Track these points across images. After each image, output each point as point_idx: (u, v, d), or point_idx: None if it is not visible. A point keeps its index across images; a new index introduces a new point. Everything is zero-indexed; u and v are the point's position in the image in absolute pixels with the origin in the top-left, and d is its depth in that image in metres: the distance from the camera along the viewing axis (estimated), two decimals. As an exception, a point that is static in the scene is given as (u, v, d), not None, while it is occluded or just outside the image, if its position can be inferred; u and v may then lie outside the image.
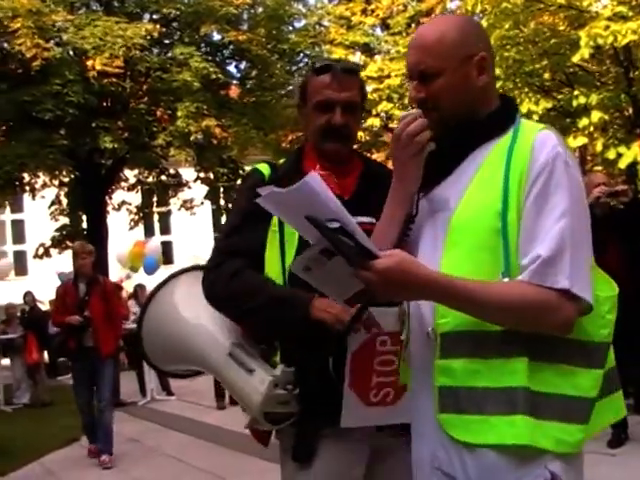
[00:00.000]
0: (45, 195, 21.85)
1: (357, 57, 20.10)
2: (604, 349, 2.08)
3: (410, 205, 2.25)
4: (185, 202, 22.77)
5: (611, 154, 12.55)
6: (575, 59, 12.12)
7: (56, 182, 21.65)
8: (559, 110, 14.53)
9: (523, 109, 12.86)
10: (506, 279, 2.02)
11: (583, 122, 12.36)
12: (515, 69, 13.78)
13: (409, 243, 2.26)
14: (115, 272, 19.18)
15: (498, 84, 13.29)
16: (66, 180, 21.61)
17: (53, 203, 22.29)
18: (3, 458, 8.80)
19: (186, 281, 3.18)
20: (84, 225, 21.30)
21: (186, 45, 19.04)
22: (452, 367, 2.07)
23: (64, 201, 22.22)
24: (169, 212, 26.42)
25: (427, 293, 2.02)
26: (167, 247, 27.86)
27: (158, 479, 8.15)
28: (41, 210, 22.90)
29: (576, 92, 12.92)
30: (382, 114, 18.43)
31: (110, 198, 21.94)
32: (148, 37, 18.17)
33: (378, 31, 23.45)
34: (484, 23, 13.58)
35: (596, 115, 12.14)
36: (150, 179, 22.32)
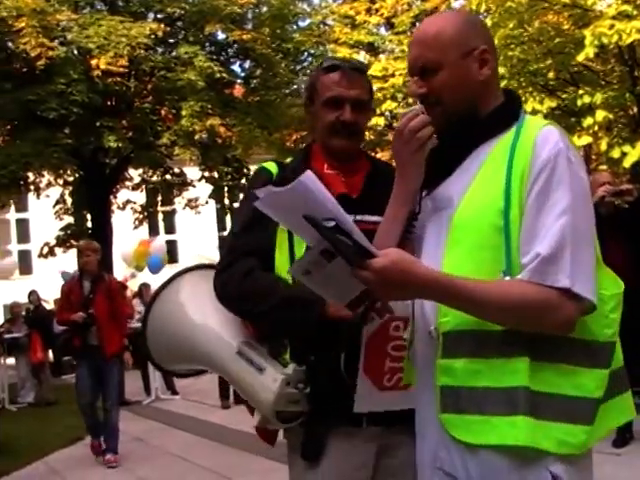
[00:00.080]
0: (50, 194, 21.89)
1: (361, 56, 20.05)
2: (609, 349, 2.05)
3: (413, 203, 2.25)
4: (190, 201, 22.80)
5: (616, 153, 12.52)
6: (580, 58, 12.09)
7: (61, 181, 21.69)
8: (564, 109, 14.51)
9: (528, 108, 12.83)
10: (507, 278, 2.00)
11: (588, 121, 12.34)
12: (519, 68, 13.76)
13: (412, 241, 2.25)
14: (120, 271, 19.21)
15: (502, 83, 13.19)
16: (71, 179, 21.66)
17: (58, 202, 22.33)
18: (7, 457, 8.80)
19: (191, 280, 3.17)
20: (89, 224, 21.33)
21: (190, 44, 19.06)
22: (453, 367, 2.06)
23: (69, 200, 22.25)
24: (174, 211, 26.46)
25: (426, 292, 2.01)
26: (172, 246, 27.88)
27: (163, 478, 8.15)
28: (46, 209, 22.95)
29: (581, 91, 12.89)
30: (386, 113, 18.39)
31: (115, 197, 21.98)
32: (152, 36, 18.20)
33: (382, 30, 23.44)
34: (488, 22, 13.58)
35: (601, 114, 12.12)
36: (154, 178, 22.36)
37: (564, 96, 14.45)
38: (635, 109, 13.75)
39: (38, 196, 21.50)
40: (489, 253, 2.03)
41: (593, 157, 17.62)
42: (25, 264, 28.64)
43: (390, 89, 17.41)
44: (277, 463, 6.89)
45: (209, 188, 22.44)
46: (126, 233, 21.43)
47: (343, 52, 19.13)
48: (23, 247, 30.19)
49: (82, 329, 8.61)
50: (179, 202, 23.29)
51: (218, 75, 18.49)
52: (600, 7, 12.57)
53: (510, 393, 1.98)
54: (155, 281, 13.13)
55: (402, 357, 2.54)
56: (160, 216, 28.00)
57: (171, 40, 20.12)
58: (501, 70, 13.31)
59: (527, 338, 1.99)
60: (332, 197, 1.96)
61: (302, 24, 21.92)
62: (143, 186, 22.75)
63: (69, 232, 21.39)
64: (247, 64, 21.48)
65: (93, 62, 17.69)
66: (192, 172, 22.08)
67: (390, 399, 2.64)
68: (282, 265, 2.72)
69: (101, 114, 18.42)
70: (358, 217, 2.60)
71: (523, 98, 13.15)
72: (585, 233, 2.01)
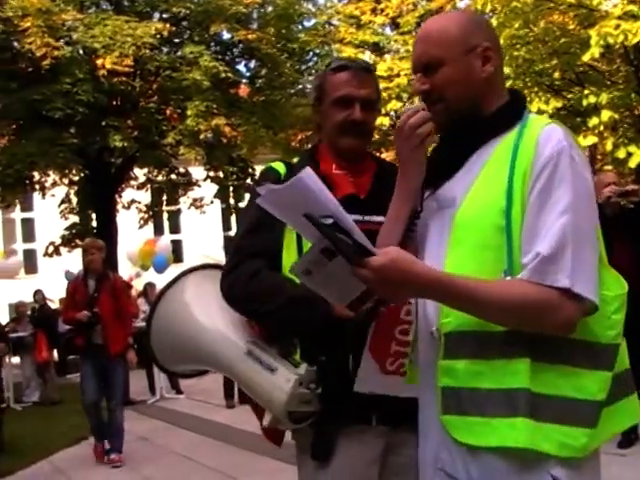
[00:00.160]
0: (55, 194, 21.90)
1: (367, 56, 20.03)
2: (612, 350, 2.03)
3: (415, 201, 2.25)
4: (195, 201, 22.80)
5: (621, 153, 12.51)
6: (585, 58, 12.08)
7: (66, 181, 21.70)
8: (569, 109, 14.49)
9: (533, 108, 12.82)
10: (508, 277, 1.99)
11: (593, 121, 12.32)
12: (525, 68, 13.74)
13: (414, 240, 2.25)
14: (125, 270, 19.22)
15: (508, 83, 13.25)
16: (76, 179, 21.67)
17: (63, 202, 22.34)
18: (12, 456, 8.82)
19: (195, 280, 3.16)
20: (94, 224, 21.33)
21: (196, 44, 19.06)
22: (455, 368, 2.05)
23: (74, 200, 22.26)
24: (179, 211, 26.48)
25: (426, 291, 2.00)
26: (177, 246, 27.89)
27: (167, 478, 8.16)
28: (51, 209, 22.96)
29: (586, 91, 12.88)
30: (392, 113, 18.39)
31: (120, 197, 21.99)
32: (158, 36, 18.20)
33: (388, 30, 23.44)
34: (494, 22, 13.56)
35: (606, 114, 12.10)
36: (160, 178, 22.36)
37: (569, 96, 14.43)
38: (641, 109, 13.74)
39: (43, 195, 21.52)
40: (491, 253, 2.02)
41: (598, 157, 17.60)
42: (30, 263, 28.65)
43: (395, 89, 17.41)
44: (283, 463, 6.90)
45: (214, 188, 22.44)
46: (131, 233, 21.45)
47: (348, 52, 19.13)
48: (28, 246, 30.21)
49: (87, 328, 8.59)
50: (184, 202, 23.30)
51: (223, 75, 18.48)
52: (606, 7, 12.54)
53: (510, 395, 1.96)
54: (160, 280, 13.14)
55: (408, 342, 2.54)
56: (165, 216, 28.01)
57: (176, 40, 20.11)
58: (506, 70, 13.30)
59: (528, 339, 1.97)
60: (331, 195, 1.96)
61: (307, 24, 21.93)
62: (148, 186, 22.75)
63: (74, 231, 21.40)
64: (252, 64, 21.48)
65: (98, 62, 17.70)
66: (197, 172, 22.09)
67: (391, 383, 2.63)
68: (290, 265, 2.72)
69: (106, 114, 18.43)
70: (366, 217, 2.61)
71: (529, 98, 13.13)
72: (587, 232, 1.99)
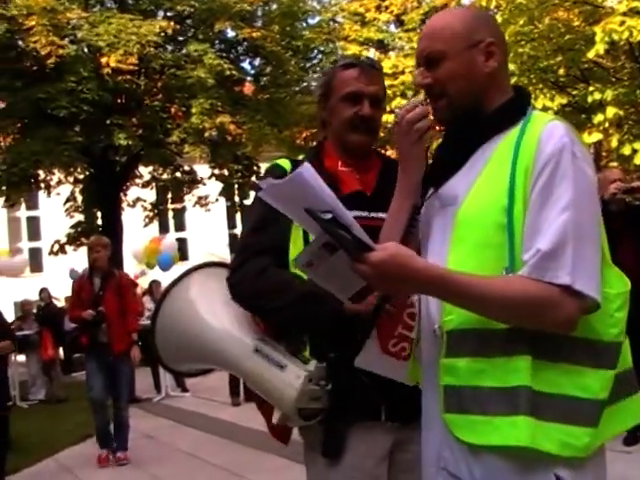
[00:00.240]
0: (60, 192, 21.93)
1: (371, 53, 20.04)
2: (615, 349, 2.01)
3: (416, 197, 2.25)
4: (200, 199, 22.82)
5: (626, 150, 12.51)
6: (590, 55, 12.07)
7: (71, 179, 21.74)
8: (574, 106, 14.48)
9: (538, 105, 12.81)
10: (510, 275, 1.98)
11: (598, 118, 12.31)
12: (530, 65, 13.73)
13: (415, 237, 2.25)
14: (130, 268, 19.24)
15: (513, 80, 13.21)
16: (81, 177, 21.70)
17: (68, 200, 22.37)
18: (18, 454, 8.82)
19: (200, 278, 3.16)
20: (99, 222, 21.37)
21: (200, 42, 19.07)
22: (457, 366, 2.04)
23: (79, 198, 22.29)
24: (184, 209, 26.49)
25: (425, 287, 1.99)
26: (182, 244, 27.89)
27: (173, 475, 8.16)
28: (56, 207, 23.00)
29: (591, 88, 12.86)
30: (396, 110, 18.40)
31: (125, 195, 22.01)
32: (162, 34, 18.22)
33: (392, 27, 23.43)
34: (498, 19, 13.53)
35: (611, 111, 12.09)
36: (165, 176, 22.38)
37: (574, 93, 14.42)
38: (646, 106, 13.71)
39: (49, 194, 21.55)
40: (493, 251, 2.00)
41: (603, 154, 17.57)
42: (36, 262, 28.70)
43: (400, 86, 17.41)
44: (288, 461, 6.90)
45: (219, 186, 22.45)
46: (136, 231, 21.48)
47: (353, 49, 19.15)
48: (34, 245, 30.27)
49: (92, 327, 8.57)
50: (189, 200, 23.31)
51: (228, 73, 18.49)
52: (611, 3, 12.54)
53: (511, 392, 1.95)
54: (166, 278, 13.15)
55: (412, 327, 2.53)
56: (170, 214, 28.04)
57: (181, 38, 20.14)
58: (511, 67, 13.28)
59: (530, 337, 1.95)
60: (330, 190, 1.95)
61: (312, 21, 21.94)
62: (153, 184, 22.78)
63: (79, 230, 21.43)
64: (257, 62, 21.50)
65: (103, 60, 17.72)
66: (202, 170, 22.10)
67: (389, 366, 2.60)
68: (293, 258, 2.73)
69: (111, 112, 18.46)
70: (372, 214, 2.61)
71: (533, 95, 13.11)
72: (589, 229, 1.97)
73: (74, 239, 21.34)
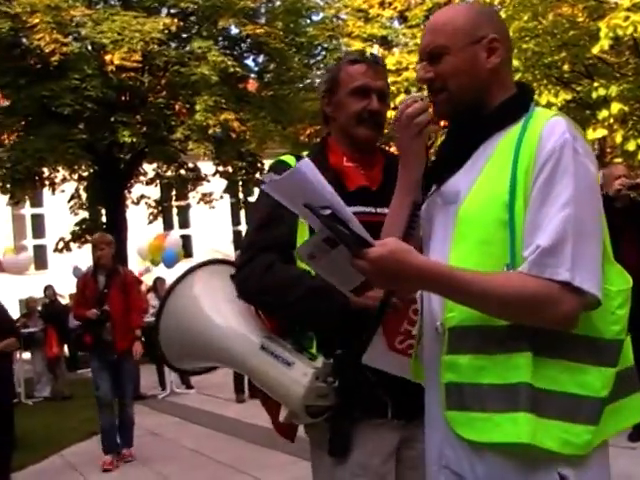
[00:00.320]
0: (65, 189, 21.92)
1: (375, 50, 20.02)
2: (616, 346, 2.01)
3: (417, 193, 2.25)
4: (204, 196, 22.79)
5: (631, 146, 12.48)
6: (595, 50, 12.05)
7: (75, 176, 21.72)
8: (578, 102, 14.45)
9: (542, 101, 12.81)
10: (509, 271, 1.97)
11: (603, 114, 12.29)
12: (534, 61, 13.71)
13: (417, 237, 2.24)
14: (135, 266, 19.25)
15: (517, 76, 13.23)
16: (85, 174, 21.68)
17: (72, 197, 22.35)
18: (24, 451, 8.84)
19: (204, 275, 3.15)
20: (103, 219, 21.37)
21: (204, 39, 19.04)
22: (458, 363, 2.03)
23: (83, 195, 22.27)
24: (188, 206, 26.48)
25: (423, 283, 1.99)
26: (186, 241, 27.88)
27: (178, 472, 8.17)
28: (61, 204, 22.98)
29: (595, 84, 12.84)
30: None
31: (129, 192, 22.01)
32: (166, 31, 18.19)
33: (396, 24, 23.40)
34: (503, 15, 13.52)
35: (616, 107, 12.07)
36: (169, 173, 22.35)
37: (579, 89, 14.40)
38: (651, 101, 13.67)
39: (53, 191, 21.54)
40: (495, 248, 2.00)
41: (608, 150, 17.55)
42: (40, 259, 28.71)
43: (404, 83, 17.39)
44: (293, 457, 6.91)
45: (223, 183, 22.43)
46: (141, 228, 21.48)
47: (357, 46, 19.13)
48: (38, 242, 30.24)
49: (96, 325, 8.53)
50: (193, 197, 23.28)
51: (232, 70, 18.45)
52: (615, -1, 12.52)
53: (512, 389, 1.94)
54: (170, 275, 13.16)
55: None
56: (174, 211, 28.02)
57: (184, 35, 20.10)
58: (515, 63, 13.27)
59: (531, 333, 1.95)
60: (329, 186, 1.96)
61: (315, 18, 21.87)
62: (157, 181, 22.75)
63: (84, 227, 21.42)
64: (261, 58, 21.44)
65: (107, 57, 17.70)
66: (206, 167, 22.08)
67: (396, 363, 2.62)
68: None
69: (115, 109, 18.45)
70: (379, 210, 2.61)
71: (538, 91, 13.11)
72: (590, 226, 1.96)
73: (79, 236, 21.33)
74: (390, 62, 16.94)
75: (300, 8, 20.40)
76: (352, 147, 2.90)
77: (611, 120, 12.40)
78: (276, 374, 2.72)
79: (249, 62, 21.69)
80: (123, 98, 19.44)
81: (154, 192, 23.35)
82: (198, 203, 23.31)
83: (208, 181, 22.41)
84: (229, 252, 23.35)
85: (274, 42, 19.46)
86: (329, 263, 2.02)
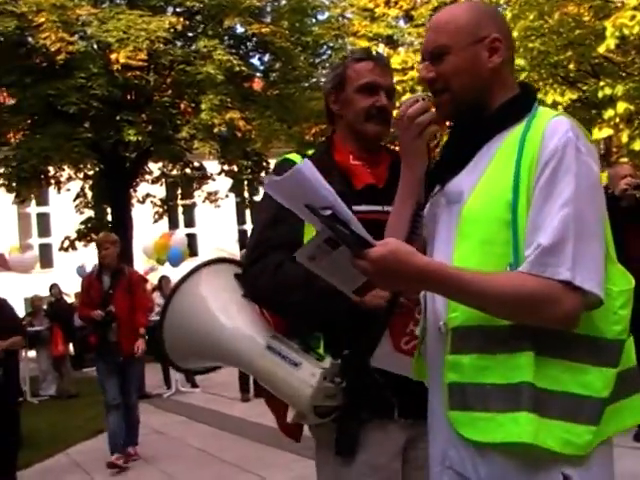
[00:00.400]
0: (70, 188, 21.95)
1: (380, 49, 20.02)
2: (618, 347, 2.00)
3: (419, 194, 2.25)
4: (209, 195, 22.80)
5: (637, 145, 12.48)
6: (600, 50, 12.04)
7: (81, 175, 21.74)
8: (584, 101, 14.45)
9: (548, 100, 12.81)
10: (510, 271, 1.97)
11: (609, 113, 12.28)
12: (540, 60, 13.70)
13: (420, 238, 2.24)
14: (140, 264, 19.27)
15: (523, 75, 13.23)
16: (91, 173, 21.70)
17: (78, 196, 22.38)
18: (29, 449, 8.86)
19: (209, 274, 3.13)
20: (109, 218, 21.40)
21: (210, 38, 19.04)
22: (461, 363, 2.03)
23: (89, 194, 22.31)
24: (193, 205, 26.49)
25: (424, 283, 1.99)
26: (191, 240, 27.90)
27: (183, 471, 8.18)
28: (66, 203, 23.01)
29: (601, 83, 12.83)
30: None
31: (134, 191, 22.02)
32: (172, 30, 18.19)
33: (401, 23, 23.40)
34: (508, 14, 13.54)
35: (622, 106, 12.06)
36: (174, 172, 22.37)
37: (585, 88, 14.39)
38: (656, 101, 13.65)
39: (59, 190, 21.57)
40: (498, 247, 1.99)
41: (614, 149, 17.52)
42: (46, 258, 28.75)
43: (409, 82, 17.42)
44: (298, 456, 6.91)
45: (229, 182, 22.44)
46: (146, 227, 21.51)
47: (362, 45, 19.12)
48: (44, 241, 30.30)
49: (101, 326, 8.43)
50: (199, 196, 23.30)
51: (237, 69, 18.46)
52: (621, -2, 12.50)
53: (514, 389, 1.94)
54: (175, 274, 13.18)
55: None
56: (180, 210, 28.04)
57: (190, 34, 20.10)
58: (521, 62, 13.27)
59: (533, 333, 1.94)
60: (329, 186, 1.95)
61: (321, 17, 21.88)
62: (163, 180, 22.78)
63: (89, 226, 21.44)
64: (266, 57, 21.44)
65: (113, 56, 17.71)
66: (212, 166, 22.09)
67: (403, 363, 2.61)
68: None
69: (121, 108, 18.46)
70: (386, 208, 2.61)
71: (544, 90, 13.11)
72: (591, 225, 1.95)
73: (84, 235, 21.35)
74: (396, 61, 16.97)
75: (306, 7, 20.40)
76: (359, 145, 2.90)
77: (617, 119, 12.39)
78: (283, 374, 2.71)
79: (255, 61, 21.74)
80: (129, 97, 19.46)
81: (159, 191, 23.38)
82: (203, 202, 23.32)
83: (213, 180, 22.43)
84: (234, 251, 23.39)
85: (280, 41, 19.46)
86: (330, 264, 2.01)
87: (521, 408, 1.92)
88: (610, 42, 11.50)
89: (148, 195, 22.47)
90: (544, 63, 13.75)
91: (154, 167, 22.32)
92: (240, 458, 8.20)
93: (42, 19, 16.88)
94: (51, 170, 20.50)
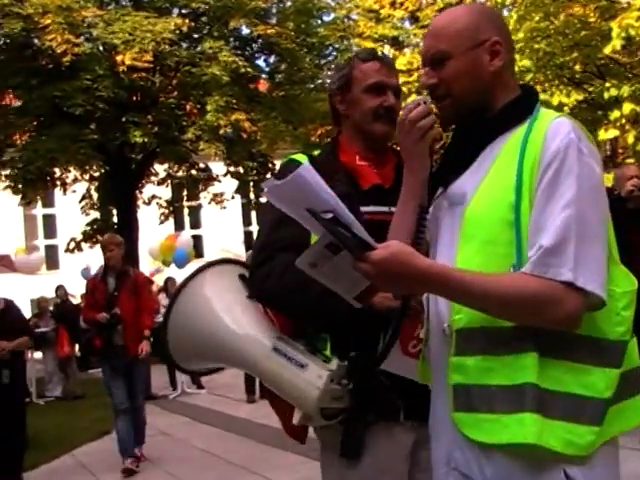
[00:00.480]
0: (76, 189, 21.99)
1: (386, 50, 20.02)
2: (621, 347, 2.00)
3: (422, 196, 2.24)
4: (215, 196, 22.83)
5: (643, 146, 12.45)
6: (606, 51, 12.02)
7: (87, 176, 21.80)
8: (590, 102, 14.42)
9: (554, 101, 12.79)
10: (512, 272, 1.97)
11: (614, 114, 12.26)
12: (545, 61, 13.68)
13: (425, 243, 2.23)
14: (146, 266, 19.29)
15: (529, 76, 13.22)
16: (97, 174, 21.77)
17: (84, 197, 22.44)
18: (35, 450, 8.86)
19: (214, 274, 3.12)
20: (115, 219, 21.44)
21: (215, 39, 19.08)
22: (466, 364, 2.03)
23: (95, 195, 22.36)
24: (199, 206, 26.53)
25: (426, 285, 1.98)
26: (197, 241, 27.94)
27: (188, 472, 8.18)
28: (72, 204, 23.06)
29: (607, 84, 12.81)
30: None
31: (140, 192, 22.06)
32: (177, 31, 18.24)
33: (407, 24, 23.40)
34: (514, 15, 13.54)
35: (628, 107, 12.04)
36: (180, 173, 22.42)
37: (591, 89, 14.36)
38: (663, 102, 13.63)
39: (64, 191, 21.62)
40: (501, 248, 1.99)
41: (620, 151, 17.50)
42: (52, 259, 28.79)
43: (415, 83, 17.37)
44: (304, 457, 6.91)
45: (234, 183, 22.47)
46: (152, 228, 21.53)
47: (368, 46, 19.10)
48: (50, 242, 30.36)
49: (106, 329, 8.30)
50: (204, 197, 23.33)
51: (243, 70, 18.49)
52: (627, -1, 12.49)
53: (518, 390, 1.94)
54: (181, 276, 13.18)
55: None
56: (186, 211, 28.08)
57: (196, 35, 20.15)
58: (527, 63, 13.27)
59: (536, 334, 1.94)
60: (330, 190, 1.94)
61: (326, 18, 21.92)
62: (169, 181, 22.82)
63: (95, 227, 21.49)
64: (272, 59, 21.49)
65: (118, 58, 17.77)
66: (217, 167, 22.12)
67: (410, 366, 2.60)
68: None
69: (126, 109, 18.51)
70: (392, 209, 2.61)
71: (549, 91, 13.10)
72: (594, 226, 1.95)
73: (90, 236, 21.40)
74: (401, 62, 16.94)
75: (311, 8, 20.44)
76: (365, 145, 2.90)
77: (623, 121, 12.37)
78: (290, 376, 2.69)
79: (260, 62, 21.77)
80: (134, 98, 19.50)
81: (165, 192, 23.41)
82: (209, 203, 23.35)
83: (219, 181, 22.46)
84: (240, 252, 23.41)
85: (285, 42, 19.48)
86: (332, 270, 2.00)
87: (525, 409, 1.92)
88: (616, 43, 11.48)
89: (154, 196, 22.51)
90: (550, 64, 13.73)
91: (160, 168, 22.36)
92: (246, 459, 8.20)
93: (48, 21, 16.93)
94: (57, 172, 20.55)
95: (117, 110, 18.18)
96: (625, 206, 6.67)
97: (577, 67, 14.06)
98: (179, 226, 28.95)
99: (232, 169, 21.78)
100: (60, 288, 17.07)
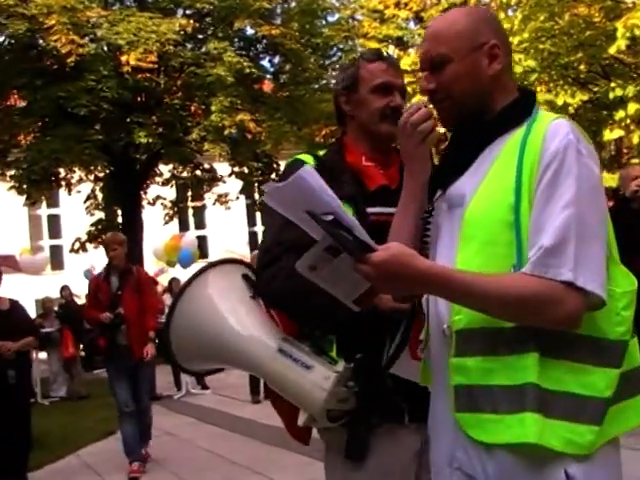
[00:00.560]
0: (81, 190, 22.01)
1: (390, 50, 20.01)
2: (621, 347, 2.00)
3: (423, 199, 2.25)
4: (220, 197, 22.83)
5: (648, 146, 12.43)
6: (611, 51, 12.01)
7: (91, 177, 21.82)
8: (595, 102, 14.41)
9: (559, 101, 12.79)
10: (512, 272, 1.97)
11: (619, 114, 12.26)
12: (550, 61, 13.68)
13: (428, 247, 2.24)
14: (150, 266, 19.29)
15: (534, 76, 13.22)
16: (101, 175, 21.78)
17: (89, 198, 22.45)
18: (40, 451, 8.86)
19: (218, 274, 3.09)
20: (119, 219, 21.45)
21: (220, 40, 19.08)
22: (466, 365, 2.03)
23: (99, 196, 22.37)
24: (204, 207, 26.55)
25: (427, 286, 1.99)
26: (202, 242, 27.93)
27: (193, 472, 8.18)
28: (77, 205, 23.08)
29: (612, 84, 12.80)
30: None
31: (145, 193, 22.08)
32: (182, 32, 18.25)
33: (411, 24, 23.42)
34: (519, 15, 13.53)
35: (633, 107, 12.03)
36: (184, 174, 22.42)
37: (595, 89, 14.35)
38: (667, 102, 13.60)
39: (69, 192, 21.63)
40: (501, 249, 2.00)
41: (625, 151, 17.49)
42: (57, 259, 28.85)
43: (419, 83, 17.39)
44: (308, 458, 6.91)
45: (239, 184, 22.46)
46: (156, 228, 21.54)
47: (372, 46, 19.10)
48: (55, 242, 30.39)
49: (110, 329, 8.27)
50: (209, 198, 23.33)
51: (247, 70, 18.48)
52: (632, -1, 12.47)
53: (519, 390, 1.95)
54: (186, 276, 13.18)
55: None
56: (190, 212, 28.09)
57: (200, 36, 20.15)
58: (532, 63, 13.27)
59: (536, 334, 1.95)
60: (331, 192, 1.94)
61: (331, 19, 21.89)
62: (173, 182, 22.82)
63: (100, 227, 21.51)
64: (276, 59, 21.48)
65: (123, 58, 17.77)
66: (222, 168, 22.12)
67: (416, 370, 2.61)
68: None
69: (131, 110, 18.52)
70: None
71: (554, 91, 13.09)
72: (593, 226, 1.96)
73: (95, 237, 21.42)
74: (406, 63, 16.92)
75: (316, 9, 20.42)
76: (371, 145, 2.89)
77: (628, 121, 12.36)
78: (295, 377, 2.68)
79: (265, 63, 21.77)
80: (139, 99, 19.52)
81: (170, 193, 23.42)
82: (214, 204, 23.36)
83: (224, 182, 22.45)
84: (245, 253, 23.39)
85: (290, 43, 19.48)
86: (331, 273, 2.00)
87: (526, 409, 1.94)
88: (621, 43, 11.48)
89: (158, 197, 22.52)
90: (555, 64, 13.72)
91: (164, 169, 22.36)
92: (250, 460, 8.20)
93: (52, 21, 16.94)
94: (62, 172, 20.57)
95: (122, 111, 18.19)
96: (630, 206, 6.66)
97: (582, 67, 14.05)
98: (184, 226, 28.97)
99: (237, 170, 21.77)
100: (65, 288, 17.09)
